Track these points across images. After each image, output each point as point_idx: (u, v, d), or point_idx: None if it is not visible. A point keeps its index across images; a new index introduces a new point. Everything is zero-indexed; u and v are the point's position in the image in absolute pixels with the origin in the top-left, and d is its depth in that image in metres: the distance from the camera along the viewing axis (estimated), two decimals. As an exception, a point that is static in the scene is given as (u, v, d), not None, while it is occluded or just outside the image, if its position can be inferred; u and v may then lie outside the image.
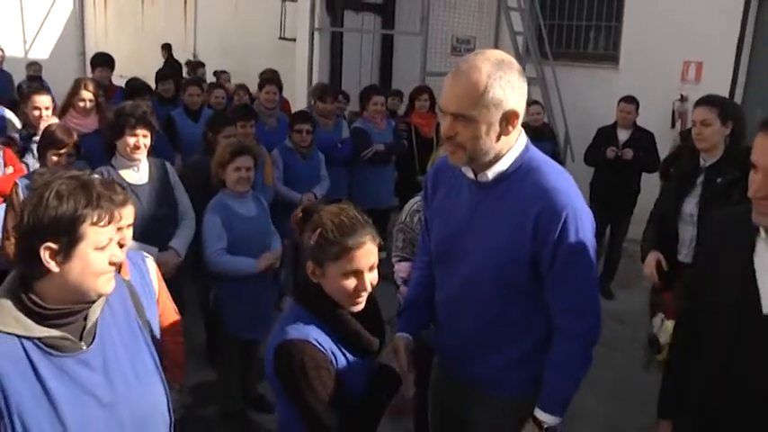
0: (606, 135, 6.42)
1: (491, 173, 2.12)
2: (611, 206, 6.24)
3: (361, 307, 2.03)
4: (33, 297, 1.63)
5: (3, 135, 5.06)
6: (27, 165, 4.56)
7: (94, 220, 1.63)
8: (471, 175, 2.18)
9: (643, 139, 6.26)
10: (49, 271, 1.61)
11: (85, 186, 1.66)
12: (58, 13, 15.07)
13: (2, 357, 1.58)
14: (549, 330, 2.21)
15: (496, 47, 9.70)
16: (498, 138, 2.06)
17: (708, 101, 3.78)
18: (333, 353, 1.98)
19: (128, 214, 2.57)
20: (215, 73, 8.47)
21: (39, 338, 1.62)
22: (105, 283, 1.69)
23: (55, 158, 3.85)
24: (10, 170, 4.32)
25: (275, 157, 5.29)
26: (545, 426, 2.18)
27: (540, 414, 2.18)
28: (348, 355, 2.03)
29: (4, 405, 1.56)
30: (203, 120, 5.67)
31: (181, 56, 12.01)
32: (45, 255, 1.59)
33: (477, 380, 2.33)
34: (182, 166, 4.85)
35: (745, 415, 2.00)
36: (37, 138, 4.36)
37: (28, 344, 1.61)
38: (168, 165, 4.08)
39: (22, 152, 4.72)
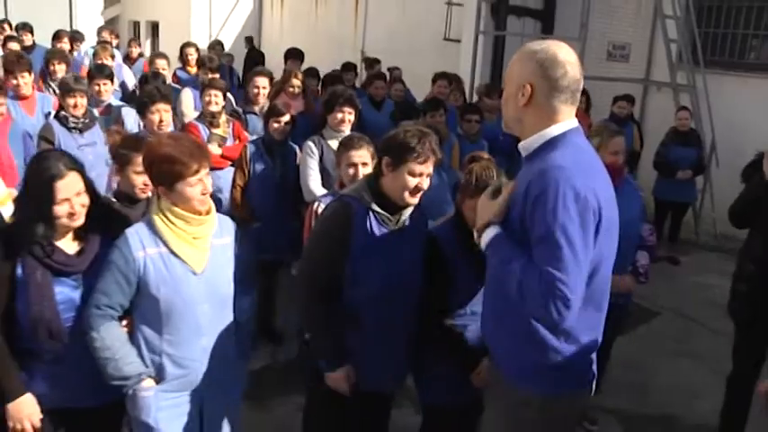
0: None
1: (522, 146, 2.34)
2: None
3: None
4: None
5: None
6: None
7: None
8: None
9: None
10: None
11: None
12: (240, 11, 16.71)
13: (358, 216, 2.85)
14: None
15: (651, 53, 10.09)
16: (515, 108, 2.29)
17: None
18: None
19: None
20: (389, 69, 9.44)
21: (378, 212, 2.84)
22: (410, 197, 2.86)
23: (275, 125, 4.87)
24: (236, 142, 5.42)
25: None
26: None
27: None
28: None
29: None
30: (386, 109, 6.68)
31: (350, 53, 13.09)
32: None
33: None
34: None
35: None
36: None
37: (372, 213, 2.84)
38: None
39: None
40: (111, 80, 5.81)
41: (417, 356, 3.19)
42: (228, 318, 2.86)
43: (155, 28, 17.83)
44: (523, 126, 2.31)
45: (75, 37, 9.94)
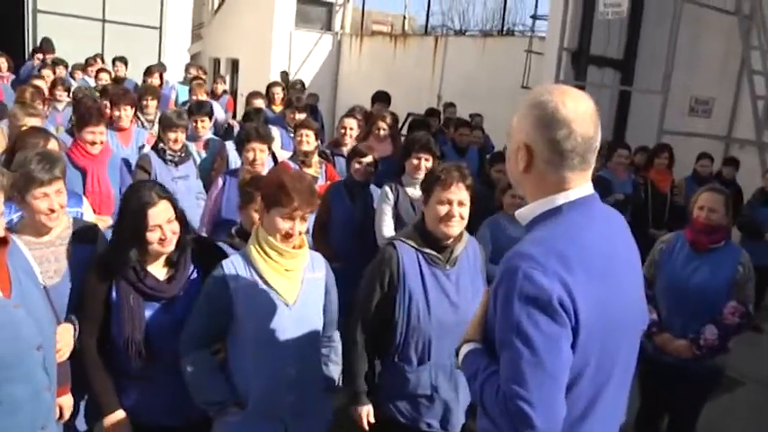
0: None
1: (518, 215, 1.97)
2: None
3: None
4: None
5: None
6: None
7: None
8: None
9: None
10: None
11: None
12: (319, 51, 17.09)
13: (406, 258, 2.92)
14: None
15: (735, 109, 9.89)
16: (520, 172, 1.90)
17: None
18: None
19: None
20: (470, 116, 9.47)
21: (426, 253, 2.85)
22: (444, 227, 2.96)
23: (357, 166, 4.93)
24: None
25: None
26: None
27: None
28: None
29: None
30: (470, 155, 6.71)
31: (426, 97, 13.22)
32: None
33: None
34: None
35: None
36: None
37: (420, 255, 2.87)
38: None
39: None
40: (210, 117, 6.02)
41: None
42: (317, 350, 2.95)
43: (235, 65, 18.36)
44: (524, 191, 1.95)
45: (162, 70, 10.35)
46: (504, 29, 15.32)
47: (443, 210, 2.96)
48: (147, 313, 2.77)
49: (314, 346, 2.92)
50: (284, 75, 15.00)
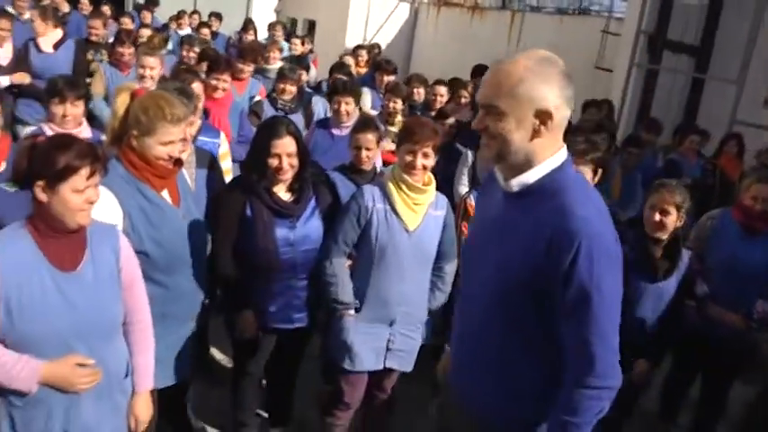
0: None
1: (516, 182, 2.02)
2: None
3: None
4: None
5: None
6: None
7: None
8: (501, 182, 2.10)
9: None
10: None
11: None
12: (396, 17, 17.39)
13: None
14: (557, 370, 2.03)
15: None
16: (531, 138, 1.95)
17: None
18: None
19: None
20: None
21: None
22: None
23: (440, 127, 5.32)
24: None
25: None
26: None
27: None
28: None
29: None
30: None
31: (500, 69, 13.37)
32: None
33: (477, 406, 2.24)
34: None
35: None
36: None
37: None
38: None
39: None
40: (307, 71, 6.57)
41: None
42: (427, 274, 3.48)
43: (312, 26, 18.78)
44: (518, 160, 2.00)
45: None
46: (581, 7, 15.33)
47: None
48: (276, 229, 3.29)
49: (425, 271, 3.47)
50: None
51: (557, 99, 1.92)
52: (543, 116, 1.92)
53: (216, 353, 4.79)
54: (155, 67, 5.02)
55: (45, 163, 2.26)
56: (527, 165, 1.99)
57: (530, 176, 2.00)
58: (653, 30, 10.54)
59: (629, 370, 3.51)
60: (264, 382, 3.90)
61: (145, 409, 2.68)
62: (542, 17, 14.83)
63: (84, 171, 2.29)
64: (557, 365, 2.02)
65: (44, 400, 2.36)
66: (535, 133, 1.94)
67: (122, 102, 3.02)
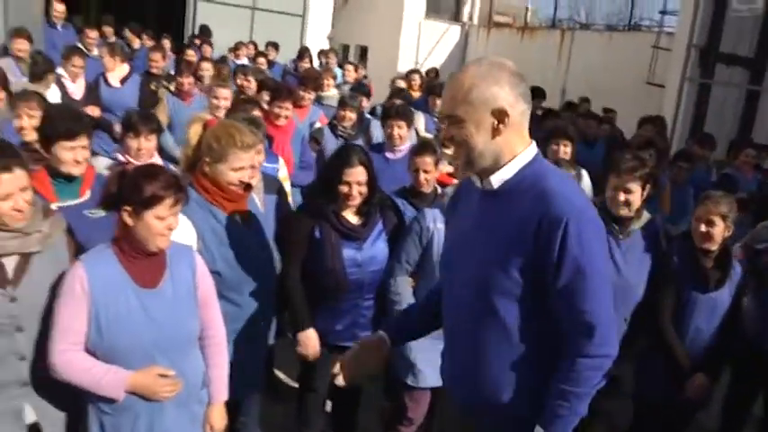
0: None
1: (494, 179, 2.12)
2: None
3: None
4: None
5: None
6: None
7: None
8: (478, 184, 2.19)
9: None
10: None
11: None
12: (446, 41, 17.65)
13: None
14: (554, 348, 2.11)
15: None
16: (493, 137, 2.06)
17: None
18: None
19: None
20: (604, 110, 9.70)
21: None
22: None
23: None
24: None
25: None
26: None
27: None
28: None
29: None
30: (597, 148, 7.15)
31: (551, 90, 13.44)
32: None
33: (477, 399, 2.27)
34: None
35: None
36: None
37: None
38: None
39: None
40: (368, 97, 6.81)
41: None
42: None
43: (364, 52, 19.14)
44: (486, 161, 2.11)
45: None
46: (631, 24, 15.31)
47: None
48: (344, 251, 3.45)
49: None
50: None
51: (509, 97, 2.03)
52: (500, 114, 2.03)
53: (282, 370, 4.96)
54: (227, 97, 5.33)
55: (133, 190, 2.49)
56: (496, 164, 2.10)
57: (506, 172, 2.10)
58: (704, 43, 10.53)
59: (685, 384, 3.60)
60: (329, 400, 4.00)
61: (219, 419, 2.87)
62: (592, 35, 14.90)
63: (169, 200, 2.51)
64: (546, 356, 2.12)
65: (131, 407, 2.58)
66: (495, 132, 2.05)
67: (195, 132, 3.26)
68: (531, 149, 2.13)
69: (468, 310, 2.21)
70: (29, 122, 3.98)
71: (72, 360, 2.50)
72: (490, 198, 2.15)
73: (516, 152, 2.10)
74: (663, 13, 14.56)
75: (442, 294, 2.42)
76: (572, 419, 2.10)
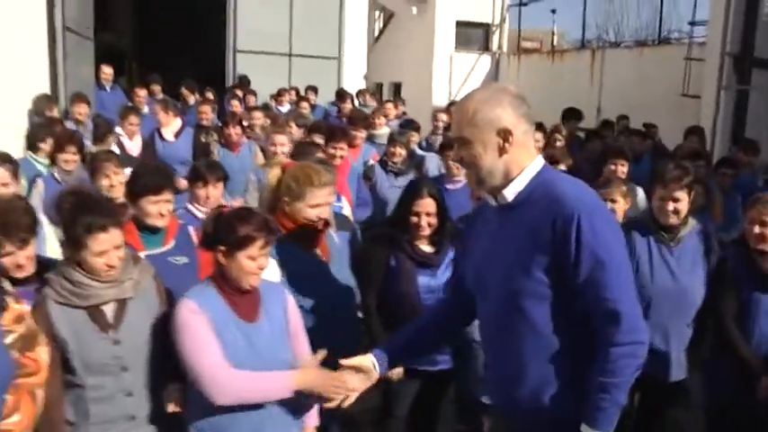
0: None
1: (508, 192, 2.25)
2: None
3: None
4: None
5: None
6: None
7: None
8: (493, 202, 2.33)
9: None
10: None
11: None
12: (477, 71, 17.94)
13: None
14: (587, 346, 2.19)
15: None
16: (500, 155, 2.22)
17: None
18: None
19: None
20: (644, 125, 9.76)
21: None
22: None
23: None
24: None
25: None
26: None
27: (586, 430, 2.18)
28: None
29: None
30: (643, 164, 7.29)
31: (586, 109, 13.50)
32: None
33: (521, 406, 2.33)
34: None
35: None
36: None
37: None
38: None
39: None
40: (418, 132, 7.14)
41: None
42: None
43: (397, 88, 19.48)
44: (496, 178, 2.26)
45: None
46: (661, 37, 15.35)
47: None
48: (419, 277, 3.62)
49: None
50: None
51: (512, 117, 2.20)
52: (504, 133, 2.20)
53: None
54: (285, 143, 5.61)
55: (228, 231, 2.69)
56: (506, 179, 2.25)
57: (518, 184, 2.24)
58: (738, 50, 10.54)
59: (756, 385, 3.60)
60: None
61: None
62: (621, 52, 15.00)
63: (260, 242, 2.70)
64: (580, 354, 2.20)
65: (230, 426, 2.71)
66: (501, 150, 2.21)
67: (274, 175, 3.52)
68: (539, 161, 2.29)
69: (501, 318, 2.31)
70: (116, 180, 4.29)
71: (233, 371, 2.62)
72: (507, 211, 2.28)
73: (524, 165, 2.25)
74: (692, 23, 14.59)
75: (477, 314, 2.52)
76: (614, 410, 2.17)
